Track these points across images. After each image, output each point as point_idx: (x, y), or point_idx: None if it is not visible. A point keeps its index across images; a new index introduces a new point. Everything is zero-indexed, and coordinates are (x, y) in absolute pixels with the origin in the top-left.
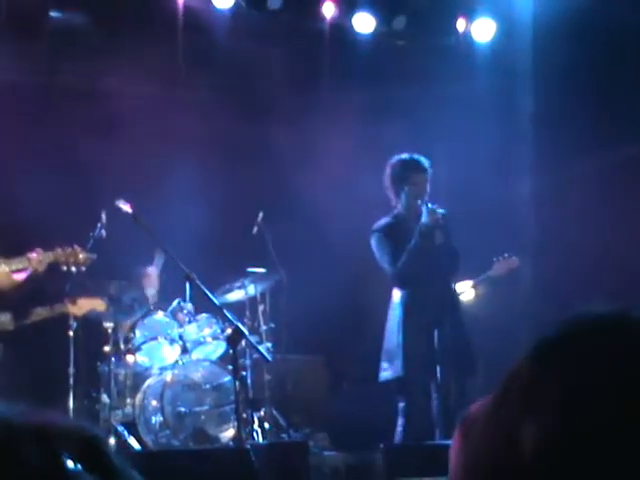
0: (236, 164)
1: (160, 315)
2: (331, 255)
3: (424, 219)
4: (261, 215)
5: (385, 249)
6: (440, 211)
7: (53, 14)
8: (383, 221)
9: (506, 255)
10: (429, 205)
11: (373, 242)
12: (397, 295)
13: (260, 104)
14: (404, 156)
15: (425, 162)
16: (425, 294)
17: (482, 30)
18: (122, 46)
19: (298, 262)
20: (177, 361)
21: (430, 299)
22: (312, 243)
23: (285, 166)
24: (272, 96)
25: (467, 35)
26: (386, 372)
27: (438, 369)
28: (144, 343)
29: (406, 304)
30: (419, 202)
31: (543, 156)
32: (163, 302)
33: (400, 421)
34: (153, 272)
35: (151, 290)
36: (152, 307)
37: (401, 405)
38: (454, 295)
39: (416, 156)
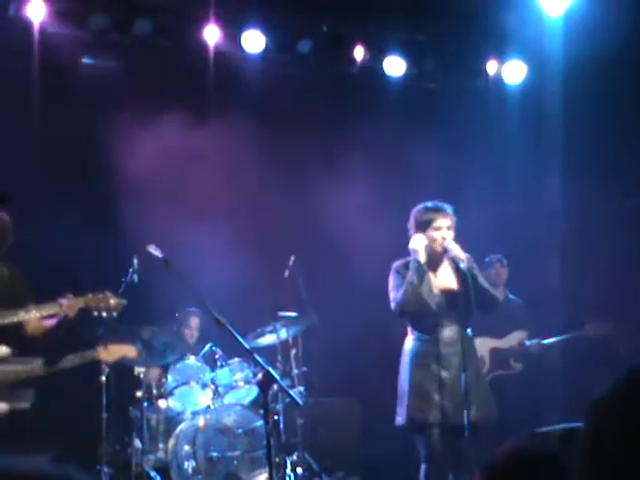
0: (267, 208)
1: (192, 360)
2: (363, 298)
3: (420, 257)
4: (293, 258)
5: (394, 285)
6: (459, 254)
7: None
8: (402, 260)
9: (597, 318)
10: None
11: (389, 279)
12: (408, 343)
13: (291, 148)
14: (428, 203)
15: (448, 208)
16: (435, 339)
17: (513, 72)
18: (152, 93)
19: (330, 306)
20: (209, 406)
21: (441, 343)
22: (344, 286)
23: (317, 210)
24: (303, 139)
25: (498, 77)
26: (399, 417)
27: (450, 414)
28: (176, 388)
29: (415, 350)
30: (441, 246)
31: (573, 198)
32: (197, 347)
33: (422, 467)
34: (197, 322)
35: (191, 339)
36: (185, 352)
37: (422, 450)
38: (469, 341)
39: (440, 202)
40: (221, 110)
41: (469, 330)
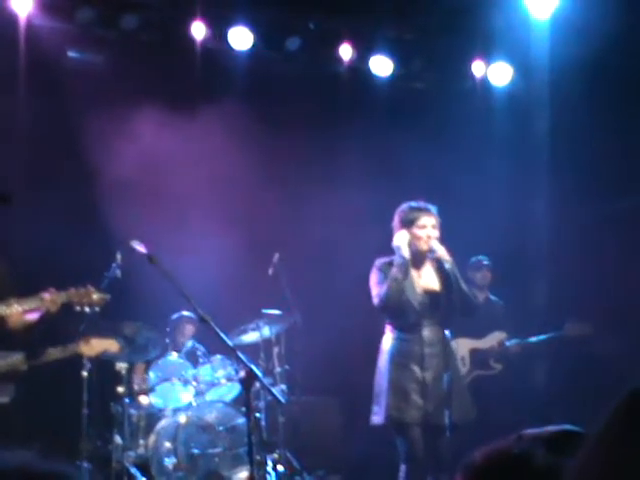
0: (252, 205)
1: (174, 356)
2: (346, 297)
3: (404, 253)
4: (277, 256)
5: (377, 281)
6: (444, 256)
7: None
8: (385, 258)
9: (577, 318)
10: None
11: (371, 276)
12: (387, 341)
13: (278, 147)
14: (412, 202)
15: (433, 208)
16: (415, 338)
17: (499, 74)
18: (137, 87)
19: (313, 304)
20: (191, 402)
21: (422, 343)
22: (328, 285)
23: (302, 208)
24: (290, 139)
25: (484, 79)
26: (375, 417)
27: (431, 414)
28: (158, 384)
29: (395, 349)
30: (425, 246)
31: (559, 201)
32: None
33: (402, 467)
34: (192, 330)
35: (180, 345)
36: (167, 348)
37: (401, 450)
38: (448, 343)
39: (424, 202)
40: (207, 107)
41: (448, 332)
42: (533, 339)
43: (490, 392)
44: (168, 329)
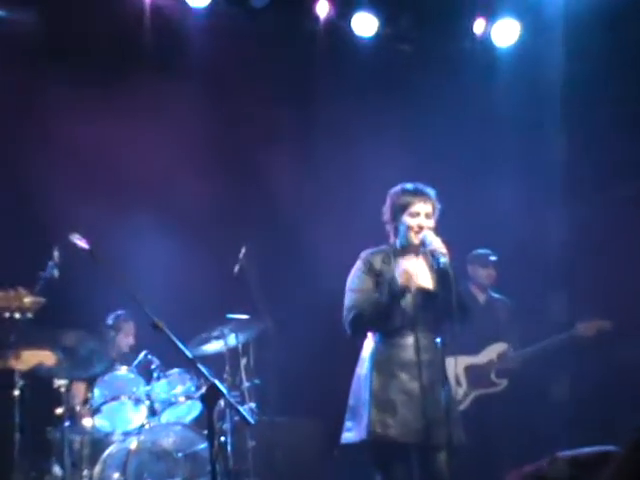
0: (213, 192)
1: (123, 370)
2: (327, 298)
3: (400, 279)
4: (243, 251)
5: (355, 281)
6: (441, 250)
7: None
8: (373, 249)
9: (591, 316)
10: (427, 240)
11: (353, 269)
12: (369, 346)
13: (241, 120)
14: (407, 184)
15: (431, 192)
16: (403, 343)
17: (504, 32)
18: (77, 52)
19: (288, 306)
20: (143, 425)
21: (410, 349)
22: (305, 284)
23: (272, 192)
24: (255, 110)
25: (486, 38)
26: (350, 433)
27: (421, 429)
28: (104, 404)
29: (379, 356)
30: (417, 236)
31: (575, 180)
32: (129, 355)
33: None
34: (133, 328)
35: (125, 347)
36: (115, 361)
37: (380, 475)
38: (440, 352)
39: (421, 185)
40: (157, 72)
41: (438, 340)
42: (540, 344)
43: (495, 412)
44: (110, 335)
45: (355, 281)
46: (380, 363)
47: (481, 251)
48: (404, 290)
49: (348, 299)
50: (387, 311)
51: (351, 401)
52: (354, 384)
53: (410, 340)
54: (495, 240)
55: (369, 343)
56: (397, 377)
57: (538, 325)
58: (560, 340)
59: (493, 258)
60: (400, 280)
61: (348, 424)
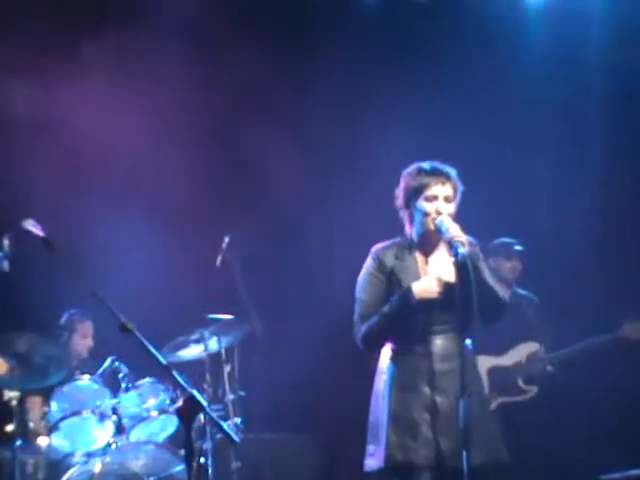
0: (193, 169)
1: (86, 380)
2: (327, 296)
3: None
4: (227, 240)
5: (364, 290)
6: (460, 240)
7: None
8: (386, 243)
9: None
10: (443, 226)
11: (363, 269)
12: (387, 356)
13: (223, 85)
14: (424, 164)
15: (451, 172)
16: (425, 352)
17: None
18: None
19: (279, 306)
20: (109, 444)
21: (433, 357)
22: (299, 280)
23: (260, 172)
24: (239, 76)
25: None
26: (372, 460)
27: (447, 454)
28: (63, 419)
29: (398, 366)
30: (434, 223)
31: (617, 163)
32: (91, 362)
33: None
34: (91, 327)
35: (84, 351)
36: (75, 369)
37: None
38: (470, 356)
39: (440, 164)
40: (123, 26)
41: (469, 341)
42: (578, 347)
43: (523, 425)
44: (64, 337)
45: (364, 286)
46: (399, 376)
47: (505, 240)
48: (420, 302)
49: (357, 308)
50: (402, 321)
51: (370, 422)
52: (372, 400)
53: (430, 346)
54: (521, 227)
55: (386, 354)
56: (420, 391)
57: (573, 325)
58: (602, 342)
59: (519, 248)
60: (416, 290)
61: (370, 448)
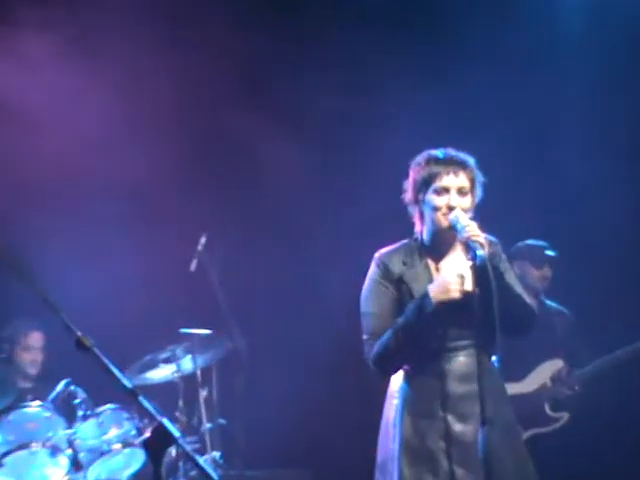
0: (163, 156)
1: (35, 407)
2: (323, 306)
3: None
4: (203, 240)
5: (370, 302)
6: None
7: None
8: (392, 247)
9: None
10: (459, 224)
11: (366, 279)
12: (398, 378)
13: (200, 54)
14: (435, 151)
15: (468, 159)
16: (440, 371)
17: None
18: None
19: (265, 317)
20: None
21: (450, 378)
22: (290, 287)
23: (242, 159)
24: (221, 42)
25: None
26: None
27: None
28: (8, 454)
29: (411, 389)
30: (447, 219)
31: None
32: (42, 385)
33: None
34: (39, 339)
35: (32, 367)
36: (24, 393)
37: None
38: (493, 375)
39: (453, 151)
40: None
41: (493, 358)
42: (610, 358)
43: (557, 458)
44: (4, 352)
45: (370, 297)
46: (412, 400)
47: (532, 243)
48: (438, 308)
49: (365, 325)
50: (419, 335)
51: (379, 455)
52: (381, 431)
53: (447, 365)
54: (553, 227)
55: (397, 375)
56: (433, 416)
57: (605, 337)
58: (636, 351)
59: (550, 254)
60: (434, 292)
61: None
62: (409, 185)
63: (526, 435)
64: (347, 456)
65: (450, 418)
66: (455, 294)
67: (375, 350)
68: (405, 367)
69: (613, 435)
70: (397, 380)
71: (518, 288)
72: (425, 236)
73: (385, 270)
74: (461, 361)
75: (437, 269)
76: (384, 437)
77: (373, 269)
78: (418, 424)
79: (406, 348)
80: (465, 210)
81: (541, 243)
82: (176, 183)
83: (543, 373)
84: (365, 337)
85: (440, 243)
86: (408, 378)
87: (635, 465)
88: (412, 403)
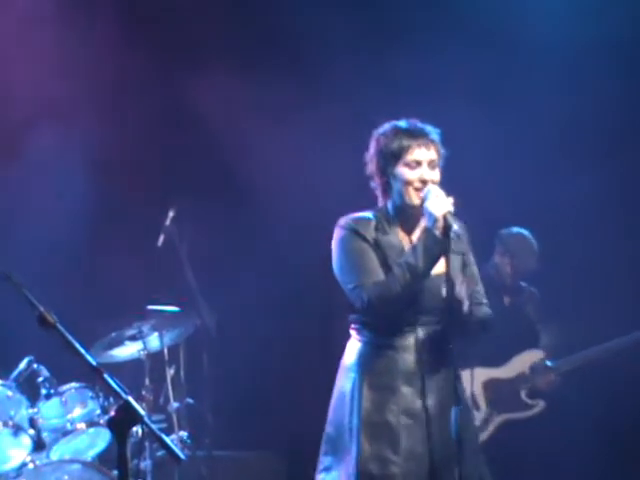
0: (126, 125)
1: None
2: (292, 283)
3: (428, 221)
4: (171, 214)
5: (348, 258)
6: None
7: None
8: (355, 215)
9: None
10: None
11: (333, 246)
12: (355, 349)
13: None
14: (400, 122)
15: (433, 132)
16: (404, 344)
17: None
18: None
19: (235, 294)
20: (26, 463)
21: (415, 352)
22: (260, 263)
23: (210, 128)
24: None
25: None
26: (329, 474)
27: (437, 464)
28: None
29: (371, 362)
30: (419, 194)
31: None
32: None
33: None
34: None
35: None
36: None
37: None
38: (454, 357)
39: (419, 122)
40: None
41: (450, 345)
42: (594, 351)
43: (529, 445)
44: None
45: (348, 254)
46: (373, 372)
47: (516, 231)
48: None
49: (348, 278)
50: (425, 276)
51: (329, 428)
52: (334, 403)
53: (413, 340)
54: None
55: (354, 344)
56: (398, 391)
57: (584, 326)
58: (626, 344)
59: (533, 243)
60: (433, 210)
61: (326, 461)
62: (372, 157)
63: (499, 419)
64: (317, 437)
65: (412, 393)
66: (451, 206)
67: (376, 291)
68: (363, 339)
69: (588, 428)
70: (352, 351)
71: (465, 295)
72: (390, 209)
73: (358, 233)
74: (427, 335)
75: (408, 242)
76: (338, 410)
77: (343, 233)
78: (379, 398)
79: (407, 294)
80: (435, 183)
81: (523, 231)
82: (140, 153)
83: (522, 361)
84: (351, 286)
85: (407, 217)
86: (367, 349)
87: (606, 458)
88: (372, 375)
